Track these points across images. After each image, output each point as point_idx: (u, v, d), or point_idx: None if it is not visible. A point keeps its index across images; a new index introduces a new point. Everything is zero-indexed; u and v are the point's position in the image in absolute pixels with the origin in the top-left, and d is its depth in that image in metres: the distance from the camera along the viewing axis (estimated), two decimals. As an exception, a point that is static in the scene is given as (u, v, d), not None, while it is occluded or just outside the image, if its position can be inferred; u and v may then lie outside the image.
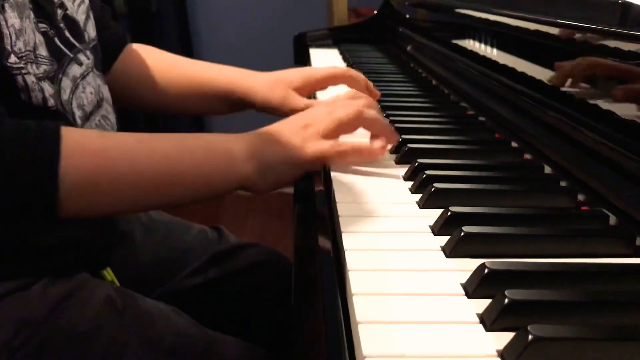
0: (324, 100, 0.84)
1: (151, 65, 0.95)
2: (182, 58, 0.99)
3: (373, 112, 0.70)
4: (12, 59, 0.61)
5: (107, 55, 0.89)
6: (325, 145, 0.66)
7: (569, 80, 0.66)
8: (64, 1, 0.74)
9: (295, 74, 0.90)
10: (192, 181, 0.64)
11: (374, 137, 0.71)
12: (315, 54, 1.52)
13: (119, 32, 0.97)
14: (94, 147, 0.60)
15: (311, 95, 0.93)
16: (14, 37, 0.61)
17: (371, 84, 0.92)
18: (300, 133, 0.66)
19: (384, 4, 1.71)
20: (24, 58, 0.63)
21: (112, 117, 0.81)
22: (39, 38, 0.66)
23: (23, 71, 0.62)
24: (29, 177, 0.55)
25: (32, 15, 0.65)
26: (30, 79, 0.62)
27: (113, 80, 0.92)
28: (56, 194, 0.56)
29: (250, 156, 0.64)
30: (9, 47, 0.61)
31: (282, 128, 0.68)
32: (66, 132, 0.58)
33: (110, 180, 0.59)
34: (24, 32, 0.63)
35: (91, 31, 0.80)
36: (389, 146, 0.72)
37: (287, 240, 0.65)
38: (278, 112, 0.87)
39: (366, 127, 0.70)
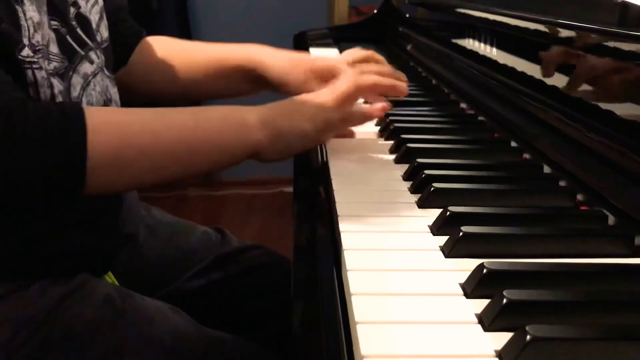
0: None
1: (168, 51, 0.94)
2: (199, 42, 0.98)
3: (371, 78, 0.77)
4: (26, 51, 0.60)
5: (124, 48, 0.89)
6: (333, 115, 0.72)
7: (569, 80, 0.66)
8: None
9: (320, 62, 0.89)
10: (209, 149, 0.67)
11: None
12: (316, 53, 1.51)
13: (136, 26, 0.96)
14: (117, 122, 0.62)
15: None
16: (32, 29, 0.61)
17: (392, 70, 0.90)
18: (310, 109, 0.72)
19: (384, 2, 1.71)
20: (40, 51, 0.63)
21: None
22: (51, 35, 0.66)
23: (35, 66, 0.62)
24: (59, 153, 0.56)
25: (46, 11, 0.65)
26: (41, 74, 0.62)
27: (130, 72, 0.92)
28: (85, 169, 0.57)
29: (263, 125, 0.68)
30: (25, 40, 0.60)
31: (293, 102, 0.73)
32: (88, 109, 0.60)
33: (134, 153, 0.61)
34: (43, 26, 0.63)
35: (104, 32, 0.79)
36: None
37: (288, 239, 0.65)
38: (293, 94, 0.84)
39: (370, 93, 0.79)
